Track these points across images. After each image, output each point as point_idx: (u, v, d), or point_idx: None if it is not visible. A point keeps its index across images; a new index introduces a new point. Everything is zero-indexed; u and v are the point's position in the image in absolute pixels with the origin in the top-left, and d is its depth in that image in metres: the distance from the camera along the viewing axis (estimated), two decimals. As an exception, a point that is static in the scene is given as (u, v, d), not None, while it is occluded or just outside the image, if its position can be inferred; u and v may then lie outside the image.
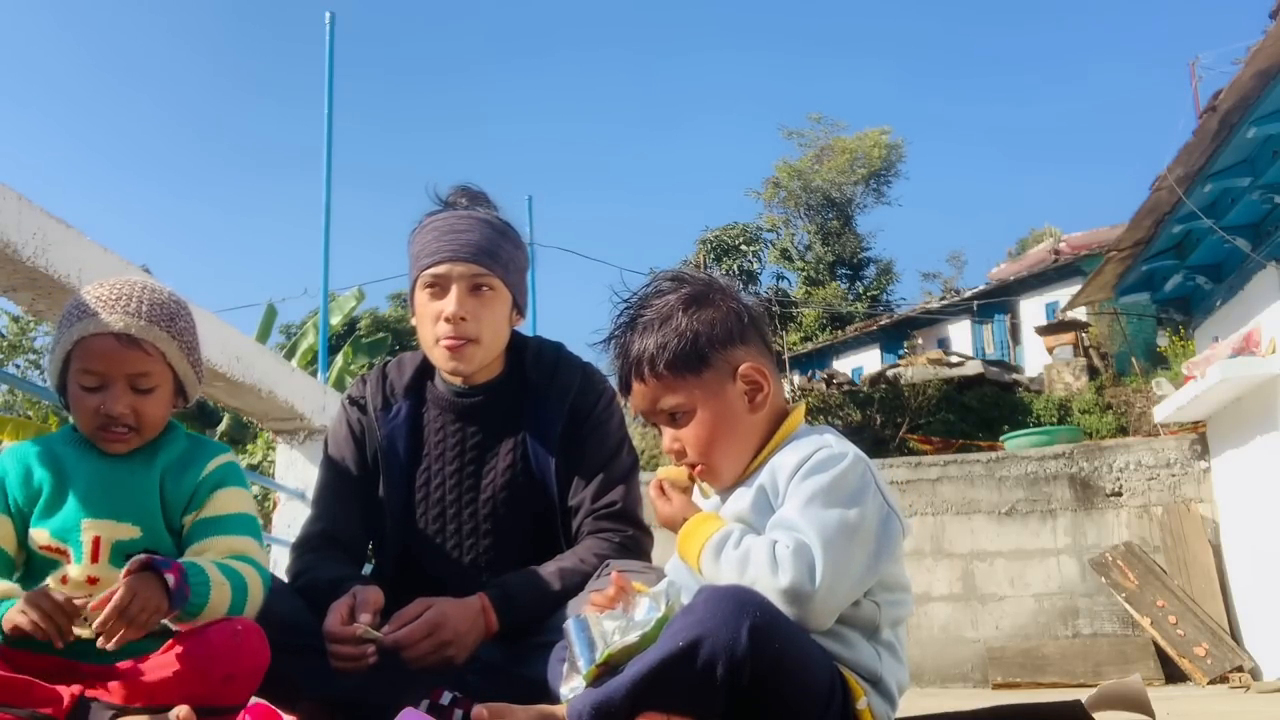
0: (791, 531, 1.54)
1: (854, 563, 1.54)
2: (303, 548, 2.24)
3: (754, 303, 1.79)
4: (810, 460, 1.61)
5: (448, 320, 2.15)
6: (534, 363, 2.27)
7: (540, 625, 2.03)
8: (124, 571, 1.67)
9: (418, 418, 2.27)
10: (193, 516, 1.89)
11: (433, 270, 2.17)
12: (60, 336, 1.87)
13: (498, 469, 2.21)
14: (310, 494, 2.43)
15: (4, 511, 1.85)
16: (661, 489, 1.73)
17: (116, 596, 1.63)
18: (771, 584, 1.50)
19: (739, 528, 1.61)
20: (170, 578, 1.67)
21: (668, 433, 1.74)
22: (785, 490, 1.62)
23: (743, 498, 1.68)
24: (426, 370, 2.30)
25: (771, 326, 1.83)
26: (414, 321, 2.27)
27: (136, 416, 1.85)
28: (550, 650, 1.75)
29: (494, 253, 2.19)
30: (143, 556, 1.69)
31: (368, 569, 2.37)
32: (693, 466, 1.73)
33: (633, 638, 1.50)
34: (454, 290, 2.15)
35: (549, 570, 2.10)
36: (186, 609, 1.70)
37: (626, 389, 1.78)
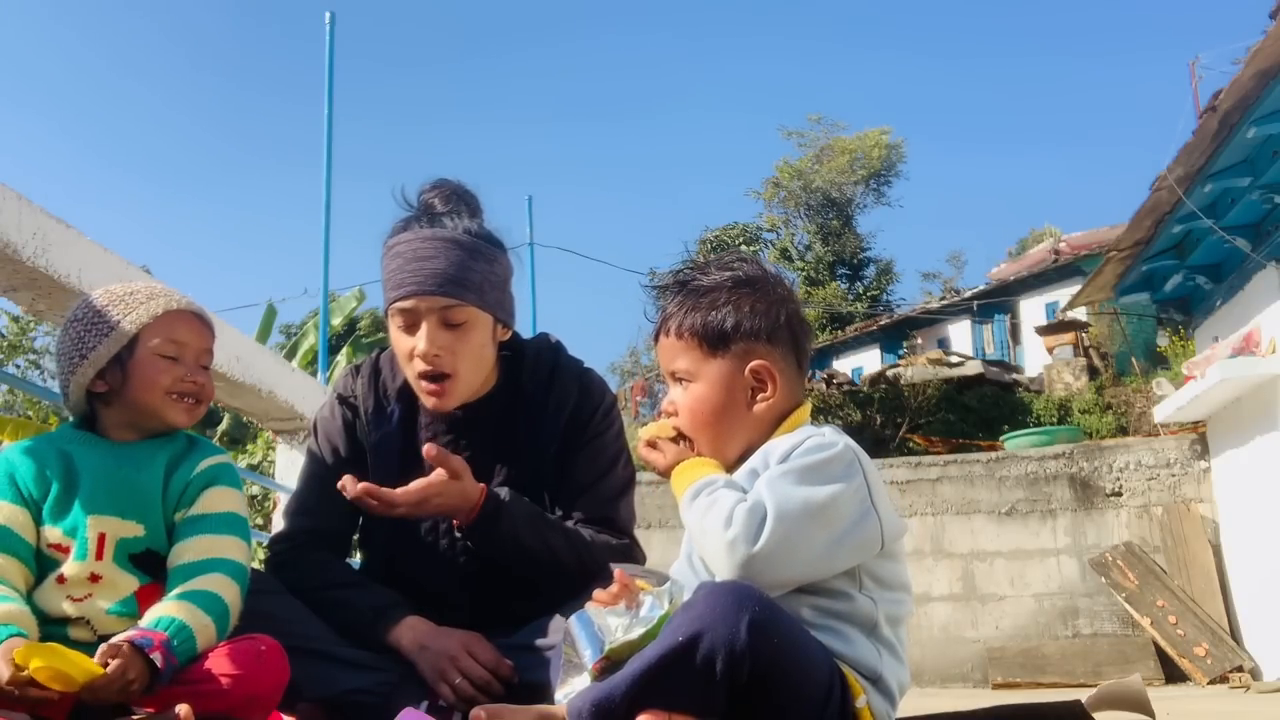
0: (756, 495, 1.57)
1: (809, 541, 1.54)
2: (293, 548, 2.18)
3: (802, 310, 1.79)
4: (801, 445, 1.63)
5: (421, 358, 2.06)
6: (531, 371, 2.20)
7: (515, 556, 2.03)
8: (102, 651, 1.63)
9: (411, 423, 2.21)
10: (182, 514, 1.90)
11: (400, 305, 2.06)
12: (121, 316, 1.92)
13: (492, 485, 2.13)
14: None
15: (21, 504, 1.85)
16: (651, 444, 1.75)
17: (105, 677, 1.59)
18: (719, 536, 1.53)
19: (724, 478, 1.63)
20: (156, 656, 1.64)
21: (671, 394, 1.78)
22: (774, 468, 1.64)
23: (738, 477, 1.69)
24: None
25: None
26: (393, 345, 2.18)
27: (205, 392, 1.99)
28: (550, 655, 1.74)
29: (463, 280, 2.05)
30: (125, 637, 1.66)
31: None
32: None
33: (636, 634, 1.51)
34: (424, 326, 2.05)
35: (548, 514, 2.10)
36: (177, 669, 1.68)
37: (656, 339, 1.83)
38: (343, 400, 2.26)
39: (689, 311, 1.74)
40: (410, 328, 2.07)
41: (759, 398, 1.72)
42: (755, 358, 1.71)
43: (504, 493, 2.05)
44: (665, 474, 1.73)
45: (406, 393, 2.20)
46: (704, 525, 1.57)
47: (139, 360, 1.92)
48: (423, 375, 2.08)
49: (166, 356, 1.93)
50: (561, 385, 2.19)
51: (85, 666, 1.59)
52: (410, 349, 2.07)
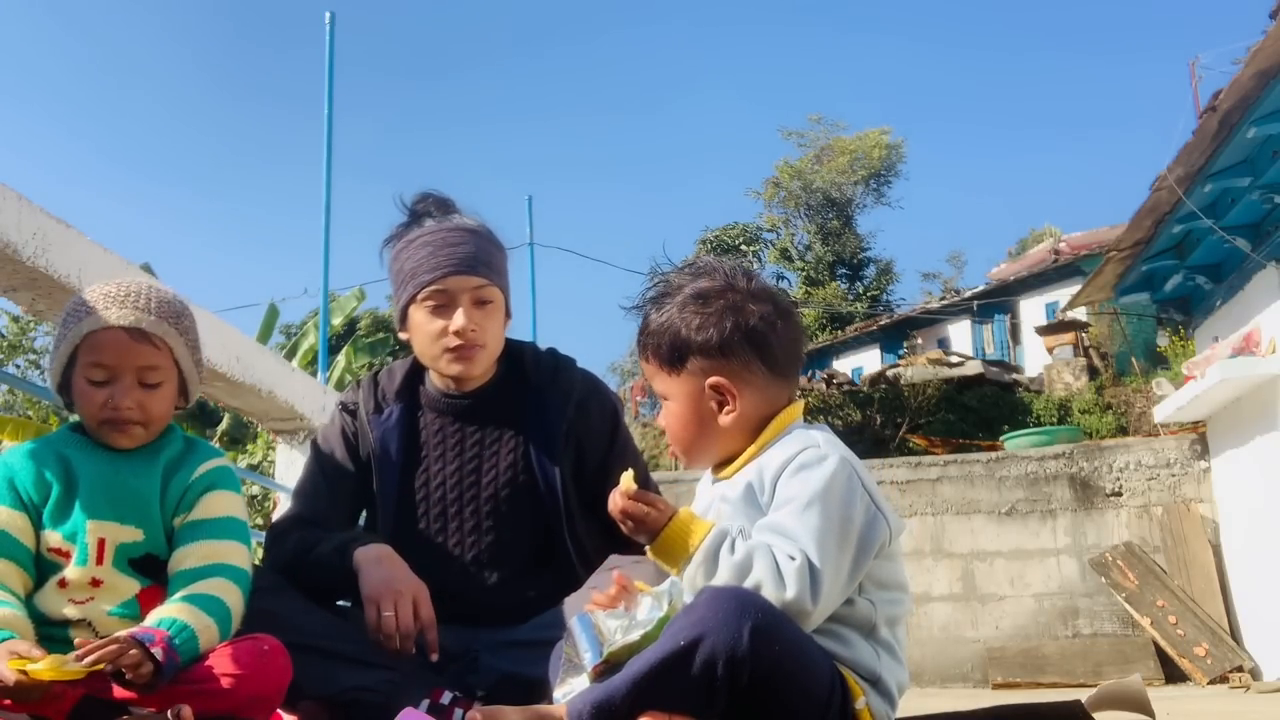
0: (790, 540, 1.54)
1: (843, 571, 1.56)
2: (283, 532, 2.22)
3: (766, 313, 1.72)
4: (796, 459, 1.62)
5: (457, 334, 2.16)
6: (534, 365, 2.30)
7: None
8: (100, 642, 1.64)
9: (412, 420, 2.29)
10: (182, 519, 1.89)
11: (436, 285, 2.16)
12: (65, 333, 1.87)
13: (499, 467, 2.23)
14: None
15: (20, 509, 1.85)
16: (633, 501, 1.61)
17: (105, 650, 1.60)
18: (774, 595, 1.50)
19: (731, 530, 1.59)
20: (157, 651, 1.64)
21: (662, 410, 1.80)
22: (771, 487, 1.62)
23: (733, 489, 1.69)
24: (417, 374, 2.32)
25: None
26: (406, 337, 2.27)
27: (143, 411, 1.87)
28: (551, 649, 1.75)
29: (490, 263, 2.21)
30: (126, 633, 1.65)
31: None
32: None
33: (635, 636, 1.51)
34: (460, 305, 2.17)
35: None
36: (179, 668, 1.68)
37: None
38: (344, 408, 2.36)
39: (651, 332, 1.76)
40: (441, 309, 2.18)
41: (724, 410, 1.71)
42: (711, 374, 1.71)
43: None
44: (650, 532, 1.61)
45: (405, 391, 2.30)
46: (748, 585, 1.52)
47: (74, 382, 1.88)
48: (455, 349, 2.17)
49: (94, 381, 1.86)
50: (567, 375, 2.30)
51: (80, 668, 1.59)
52: (440, 329, 2.17)
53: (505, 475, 2.22)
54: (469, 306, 2.17)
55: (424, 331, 2.20)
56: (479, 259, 2.19)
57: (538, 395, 2.26)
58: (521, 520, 2.20)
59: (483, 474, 2.22)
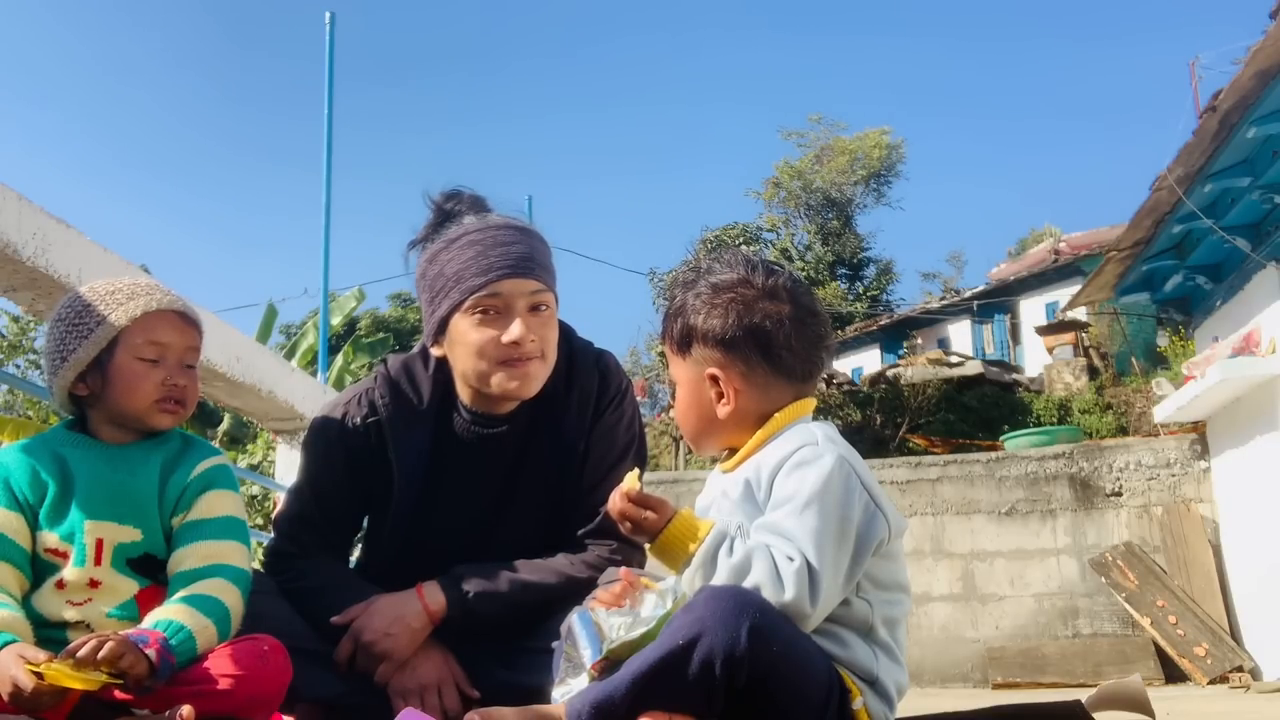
0: (789, 540, 1.54)
1: (841, 571, 1.56)
2: (291, 555, 2.13)
3: (776, 313, 1.71)
4: (793, 457, 1.61)
5: (514, 344, 1.95)
6: (580, 388, 2.12)
7: (507, 612, 2.00)
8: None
9: (439, 445, 2.10)
10: (180, 518, 1.88)
11: (487, 291, 1.94)
12: (101, 318, 1.86)
13: (520, 504, 2.11)
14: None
15: (16, 509, 1.84)
16: (630, 501, 1.62)
17: (93, 643, 1.59)
18: (773, 597, 1.50)
19: (729, 530, 1.59)
20: (151, 652, 1.62)
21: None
22: (768, 485, 1.62)
23: (734, 486, 1.69)
24: (446, 388, 2.10)
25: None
26: (441, 353, 2.05)
27: (191, 393, 1.92)
28: (547, 657, 1.73)
29: (546, 265, 2.02)
30: (121, 634, 1.64)
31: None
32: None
33: (637, 633, 1.51)
34: (519, 311, 1.96)
35: (516, 563, 2.05)
36: (175, 668, 1.67)
37: None
38: (370, 406, 2.10)
39: (669, 315, 1.78)
40: (492, 318, 1.96)
41: (720, 402, 1.72)
42: (711, 364, 1.72)
43: (467, 585, 2.00)
44: (649, 533, 1.61)
45: (434, 410, 2.10)
46: (748, 585, 1.52)
47: (118, 364, 1.87)
48: (511, 361, 1.96)
49: (147, 359, 1.87)
50: (581, 376, 2.11)
51: (96, 677, 1.58)
52: (491, 339, 1.96)
53: (525, 513, 2.11)
54: (525, 314, 1.96)
55: (471, 344, 1.97)
56: (534, 260, 1.99)
57: (555, 409, 2.07)
58: (536, 554, 2.09)
59: (505, 511, 2.11)
